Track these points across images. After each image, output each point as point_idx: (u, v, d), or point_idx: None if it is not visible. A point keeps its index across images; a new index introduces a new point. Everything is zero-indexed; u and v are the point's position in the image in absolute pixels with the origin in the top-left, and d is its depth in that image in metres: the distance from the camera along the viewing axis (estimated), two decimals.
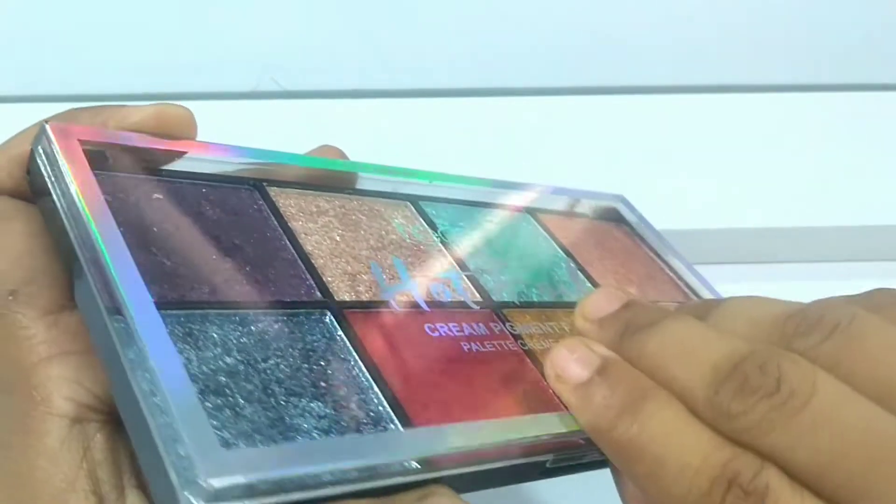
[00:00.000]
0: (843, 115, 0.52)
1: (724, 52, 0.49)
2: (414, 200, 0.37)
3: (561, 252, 0.39)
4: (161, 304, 0.24)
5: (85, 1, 0.31)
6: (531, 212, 0.41)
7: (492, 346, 0.30)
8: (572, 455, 0.28)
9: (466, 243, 0.36)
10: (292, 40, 0.36)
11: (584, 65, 0.44)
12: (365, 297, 0.30)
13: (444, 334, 0.30)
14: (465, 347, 0.30)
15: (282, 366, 0.25)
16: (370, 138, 0.37)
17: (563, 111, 0.44)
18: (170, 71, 0.32)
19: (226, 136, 0.31)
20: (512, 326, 0.32)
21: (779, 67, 0.50)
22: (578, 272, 0.38)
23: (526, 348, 0.31)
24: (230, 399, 0.23)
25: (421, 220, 0.36)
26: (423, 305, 0.30)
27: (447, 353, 0.29)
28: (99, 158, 0.27)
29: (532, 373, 0.31)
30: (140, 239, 0.26)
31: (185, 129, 0.29)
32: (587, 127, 0.45)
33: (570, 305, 0.35)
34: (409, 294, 0.30)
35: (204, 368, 0.23)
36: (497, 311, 0.33)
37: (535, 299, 0.35)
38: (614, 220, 0.44)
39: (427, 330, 0.29)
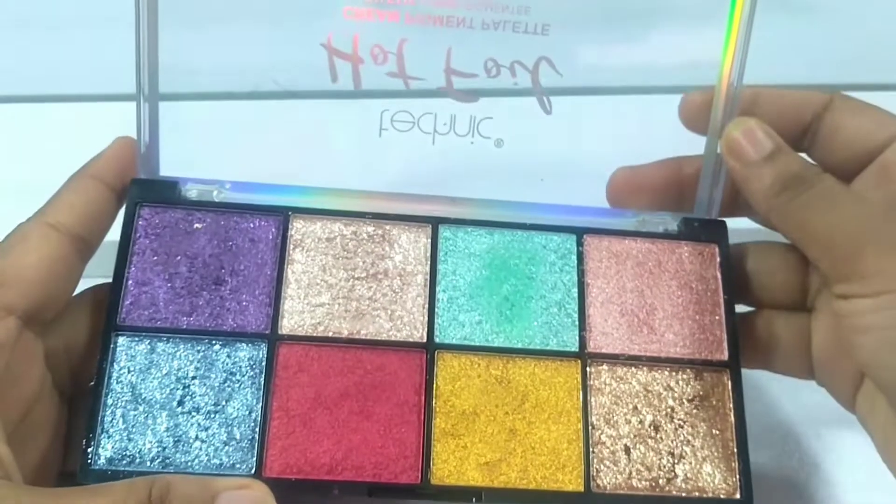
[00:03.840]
0: None
1: None
2: (435, 223, 0.43)
3: (574, 288, 0.43)
4: (121, 328, 0.39)
5: (85, 1, 0.38)
6: (579, 232, 0.44)
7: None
8: None
9: (455, 274, 0.42)
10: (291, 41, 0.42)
11: None
12: (308, 330, 0.41)
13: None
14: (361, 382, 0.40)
15: (203, 383, 0.39)
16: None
17: None
18: (167, 71, 0.41)
19: (226, 135, 0.42)
20: (433, 371, 0.40)
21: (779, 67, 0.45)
22: (575, 314, 0.42)
23: (429, 399, 0.40)
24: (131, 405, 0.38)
25: (428, 244, 0.43)
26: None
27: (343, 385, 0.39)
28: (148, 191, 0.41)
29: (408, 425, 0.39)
30: (150, 267, 0.41)
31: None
32: None
33: (535, 353, 0.41)
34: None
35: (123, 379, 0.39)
36: (430, 352, 0.41)
37: (492, 344, 0.41)
38: (693, 240, 0.44)
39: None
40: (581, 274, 0.43)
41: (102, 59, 0.42)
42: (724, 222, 0.44)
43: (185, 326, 0.40)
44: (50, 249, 0.38)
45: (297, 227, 0.43)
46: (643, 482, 0.40)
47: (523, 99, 0.44)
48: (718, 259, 0.44)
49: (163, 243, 0.41)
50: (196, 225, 0.42)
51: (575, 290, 0.43)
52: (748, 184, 0.40)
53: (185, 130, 0.43)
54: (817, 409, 0.43)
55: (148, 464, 0.38)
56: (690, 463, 0.40)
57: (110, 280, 0.40)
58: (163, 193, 0.42)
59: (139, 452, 0.38)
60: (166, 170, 0.43)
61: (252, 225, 0.42)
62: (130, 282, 0.40)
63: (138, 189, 0.42)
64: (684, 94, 0.44)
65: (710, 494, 0.40)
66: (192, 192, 0.43)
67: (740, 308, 0.44)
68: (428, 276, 0.42)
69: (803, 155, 0.43)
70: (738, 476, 0.40)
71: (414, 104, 0.44)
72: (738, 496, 0.40)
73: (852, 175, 0.42)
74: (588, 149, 0.45)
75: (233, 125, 0.44)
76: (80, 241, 0.39)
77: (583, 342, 0.42)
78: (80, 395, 0.39)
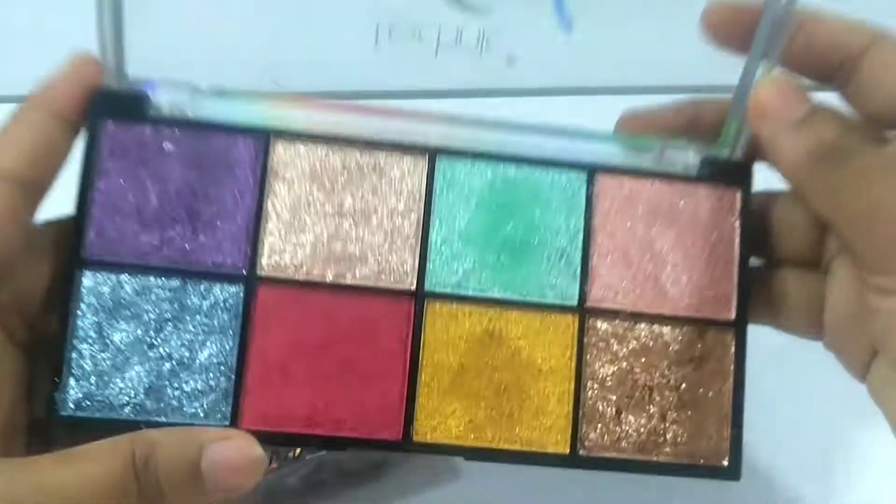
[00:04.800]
0: None
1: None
2: (433, 153, 0.39)
3: (580, 234, 0.39)
4: (85, 263, 0.36)
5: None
6: (590, 170, 0.40)
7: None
8: None
9: (451, 214, 0.39)
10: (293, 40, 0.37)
11: None
12: (289, 272, 0.38)
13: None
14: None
15: (175, 325, 0.37)
16: None
17: None
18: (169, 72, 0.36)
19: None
20: (421, 321, 0.38)
21: None
22: (577, 263, 0.39)
23: (416, 352, 0.37)
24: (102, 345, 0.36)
25: (424, 178, 0.39)
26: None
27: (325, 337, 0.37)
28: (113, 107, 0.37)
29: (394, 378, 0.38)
30: (116, 194, 0.37)
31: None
32: None
33: (530, 306, 0.39)
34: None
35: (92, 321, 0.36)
36: (419, 300, 0.38)
37: (486, 294, 0.38)
38: (716, 181, 0.40)
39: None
40: (588, 218, 0.39)
41: None
42: (749, 165, 0.40)
43: (155, 263, 0.37)
44: None
45: (279, 152, 0.38)
46: (631, 445, 0.39)
47: (542, 13, 0.39)
48: (738, 206, 0.40)
49: (130, 165, 0.37)
50: (166, 144, 0.38)
51: (580, 237, 0.39)
52: (778, 151, 0.36)
53: (155, 27, 0.38)
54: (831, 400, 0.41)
55: (119, 411, 0.36)
56: (682, 427, 0.39)
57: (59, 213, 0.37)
58: (130, 106, 0.38)
59: (108, 398, 0.36)
60: (134, 69, 0.38)
61: (228, 147, 0.38)
62: (95, 210, 0.37)
63: (102, 101, 0.37)
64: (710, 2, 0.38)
65: (699, 460, 0.39)
66: (162, 103, 0.38)
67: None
68: (421, 216, 0.39)
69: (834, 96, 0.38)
70: (728, 443, 0.39)
71: (416, 10, 0.39)
72: (725, 463, 0.39)
73: (887, 128, 0.37)
74: (609, 70, 0.40)
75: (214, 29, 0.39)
76: (31, 185, 0.35)
77: (582, 296, 0.39)
78: (40, 342, 0.37)
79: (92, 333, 0.36)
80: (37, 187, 0.35)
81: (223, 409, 0.37)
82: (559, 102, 0.40)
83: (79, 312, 0.36)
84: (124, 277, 0.37)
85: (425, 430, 0.38)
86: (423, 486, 0.46)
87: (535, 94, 0.40)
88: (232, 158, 0.38)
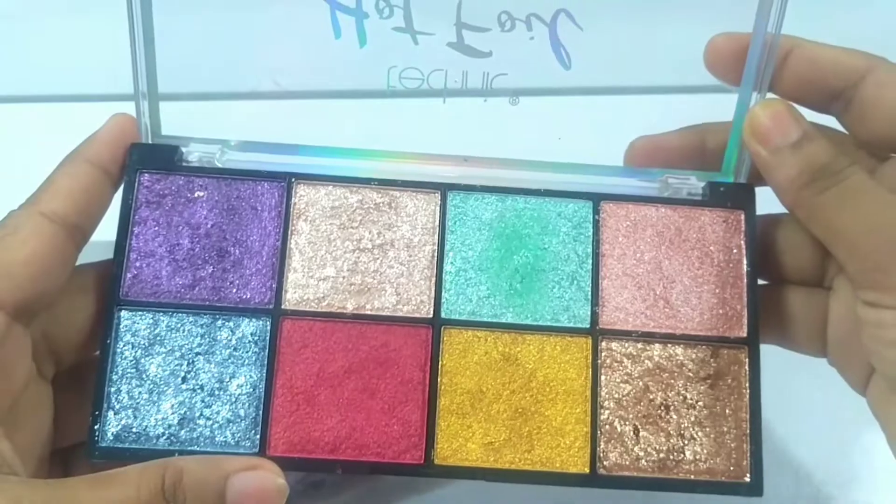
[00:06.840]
0: None
1: None
2: (444, 189, 0.41)
3: (589, 260, 0.41)
4: (123, 303, 0.39)
5: (90, 4, 0.36)
6: (596, 199, 0.42)
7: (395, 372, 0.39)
8: None
9: (464, 244, 0.41)
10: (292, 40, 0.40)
11: None
12: (312, 305, 0.40)
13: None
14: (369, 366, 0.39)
15: (207, 359, 0.39)
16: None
17: None
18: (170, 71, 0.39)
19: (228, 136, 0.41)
20: (439, 348, 0.40)
21: None
22: (588, 287, 0.40)
23: (434, 377, 0.39)
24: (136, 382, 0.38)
25: (437, 212, 0.41)
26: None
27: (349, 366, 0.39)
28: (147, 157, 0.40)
29: (416, 406, 0.39)
30: (152, 239, 0.40)
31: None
32: None
33: (544, 330, 0.40)
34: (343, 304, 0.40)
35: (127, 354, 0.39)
36: (437, 328, 0.40)
37: (500, 320, 0.40)
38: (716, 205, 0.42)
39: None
40: (596, 244, 0.41)
41: (105, 59, 0.41)
42: (752, 187, 0.42)
43: (188, 301, 0.40)
44: (42, 242, 0.36)
45: (301, 194, 0.41)
46: (651, 464, 0.39)
47: (540, 54, 0.41)
48: (744, 227, 0.41)
49: (164, 213, 0.40)
50: (197, 193, 0.41)
51: (589, 262, 0.41)
52: (772, 172, 0.38)
53: (187, 93, 0.41)
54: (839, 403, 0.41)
55: (154, 441, 0.38)
56: (701, 444, 0.39)
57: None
58: (163, 158, 0.41)
59: (145, 430, 0.38)
60: (168, 129, 0.41)
61: (254, 192, 0.41)
62: (133, 254, 0.40)
63: (138, 154, 0.40)
64: (711, 37, 0.40)
65: (719, 477, 0.39)
66: (193, 156, 0.41)
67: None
68: (436, 248, 0.41)
69: (832, 119, 0.40)
70: (748, 459, 0.39)
71: (423, 60, 0.41)
72: (747, 479, 0.39)
73: (886, 153, 0.38)
74: (608, 107, 0.43)
75: (234, 89, 0.42)
76: (75, 229, 0.38)
77: (595, 318, 0.40)
78: (65, 373, 0.39)
79: (130, 369, 0.39)
80: (80, 231, 0.38)
81: (252, 437, 0.38)
82: (559, 103, 0.42)
83: (117, 349, 0.39)
84: (159, 316, 0.39)
85: (446, 454, 0.39)
86: (421, 488, 0.47)
87: (535, 93, 0.42)
88: (258, 202, 0.41)
